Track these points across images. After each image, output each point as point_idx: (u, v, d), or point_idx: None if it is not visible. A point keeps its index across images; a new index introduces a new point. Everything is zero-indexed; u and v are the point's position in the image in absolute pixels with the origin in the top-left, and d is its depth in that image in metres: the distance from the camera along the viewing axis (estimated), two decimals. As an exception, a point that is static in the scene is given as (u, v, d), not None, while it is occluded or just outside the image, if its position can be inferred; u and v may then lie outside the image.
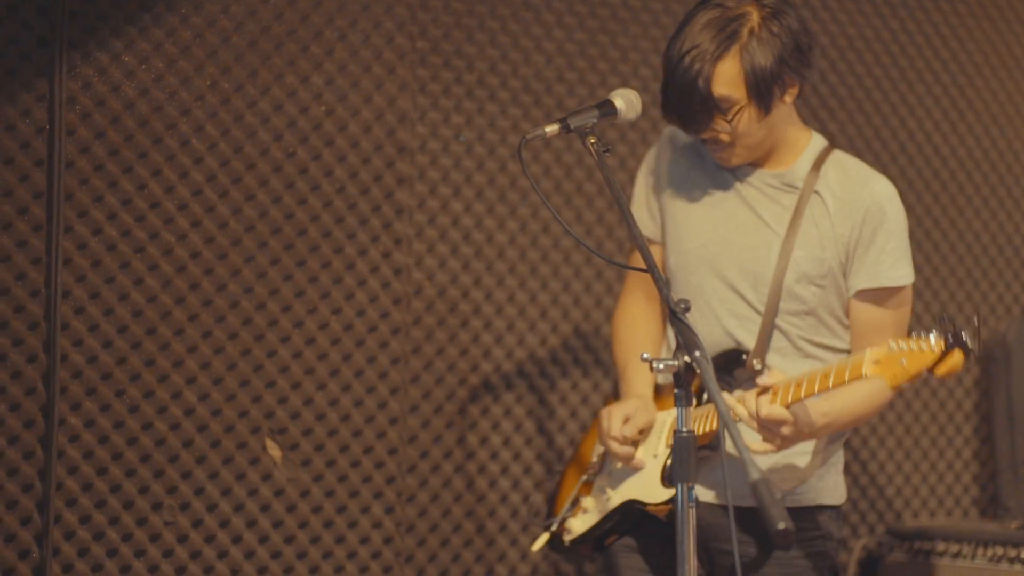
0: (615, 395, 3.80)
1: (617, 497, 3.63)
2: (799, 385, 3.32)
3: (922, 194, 4.96)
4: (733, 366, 3.57)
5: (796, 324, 3.58)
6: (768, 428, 3.35)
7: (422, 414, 4.29)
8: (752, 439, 3.39)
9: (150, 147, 3.95)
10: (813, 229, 3.56)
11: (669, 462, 3.52)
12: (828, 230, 3.55)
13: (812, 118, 4.77)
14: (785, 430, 3.35)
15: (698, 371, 2.97)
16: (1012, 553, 4.33)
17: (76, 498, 3.85)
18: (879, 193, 3.57)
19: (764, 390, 3.35)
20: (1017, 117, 5.13)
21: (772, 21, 3.47)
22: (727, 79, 3.45)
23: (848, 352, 3.60)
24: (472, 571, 4.34)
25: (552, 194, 4.45)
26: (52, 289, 3.82)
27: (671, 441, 3.53)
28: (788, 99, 3.53)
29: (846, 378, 3.25)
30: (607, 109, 3.43)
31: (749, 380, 3.55)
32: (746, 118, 3.48)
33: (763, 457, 3.46)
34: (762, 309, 3.57)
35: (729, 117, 3.47)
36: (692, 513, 3.01)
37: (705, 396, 3.51)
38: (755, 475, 2.77)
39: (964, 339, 3.08)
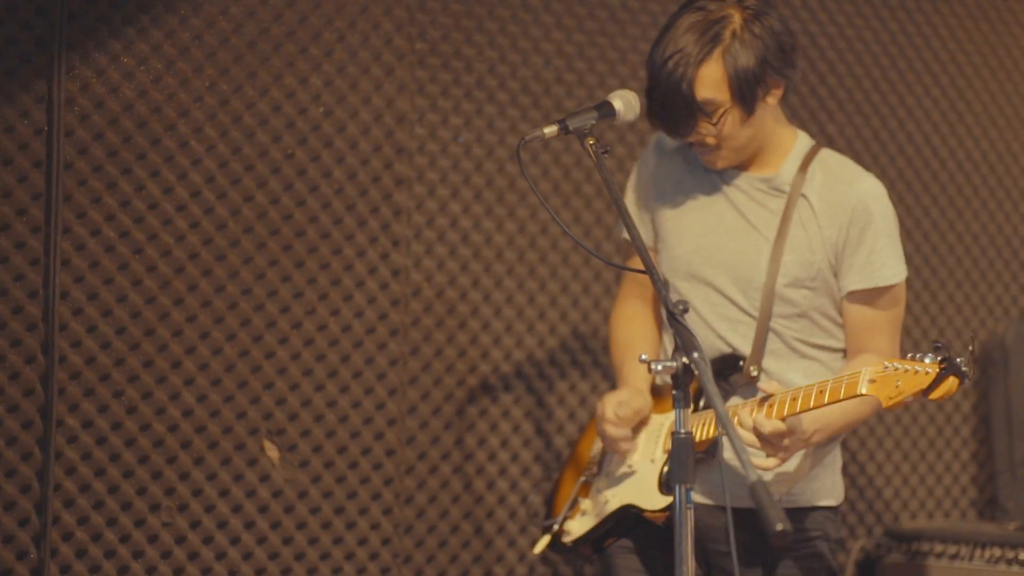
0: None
1: (615, 501, 3.63)
2: (795, 400, 3.33)
3: (921, 195, 4.96)
4: (729, 371, 3.57)
5: (790, 326, 3.58)
6: (771, 443, 3.36)
7: (420, 415, 4.29)
8: (755, 456, 3.40)
9: (149, 148, 3.95)
10: (801, 233, 3.56)
11: (666, 469, 3.53)
12: (816, 233, 3.55)
13: (812, 120, 4.77)
14: (785, 442, 3.37)
15: (696, 372, 2.98)
16: (1010, 554, 4.33)
17: (74, 499, 3.85)
18: (864, 192, 3.56)
19: (764, 398, 3.37)
20: (1016, 118, 5.13)
21: (754, 23, 3.47)
22: (711, 82, 3.45)
23: (844, 351, 3.61)
24: (470, 572, 4.34)
25: (550, 195, 4.45)
26: (50, 290, 3.82)
27: (668, 446, 3.55)
28: (772, 100, 3.54)
29: (841, 396, 3.26)
30: (606, 110, 3.44)
31: (746, 386, 3.55)
32: (731, 120, 3.49)
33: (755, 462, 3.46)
34: (755, 313, 3.57)
35: (714, 120, 3.48)
36: (690, 515, 3.01)
37: (702, 402, 3.51)
38: (753, 476, 2.77)
39: (959, 366, 3.09)
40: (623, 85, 4.32)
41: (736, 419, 3.37)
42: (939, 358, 3.12)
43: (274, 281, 4.09)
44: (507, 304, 4.40)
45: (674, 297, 3.56)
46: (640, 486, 3.59)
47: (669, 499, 3.48)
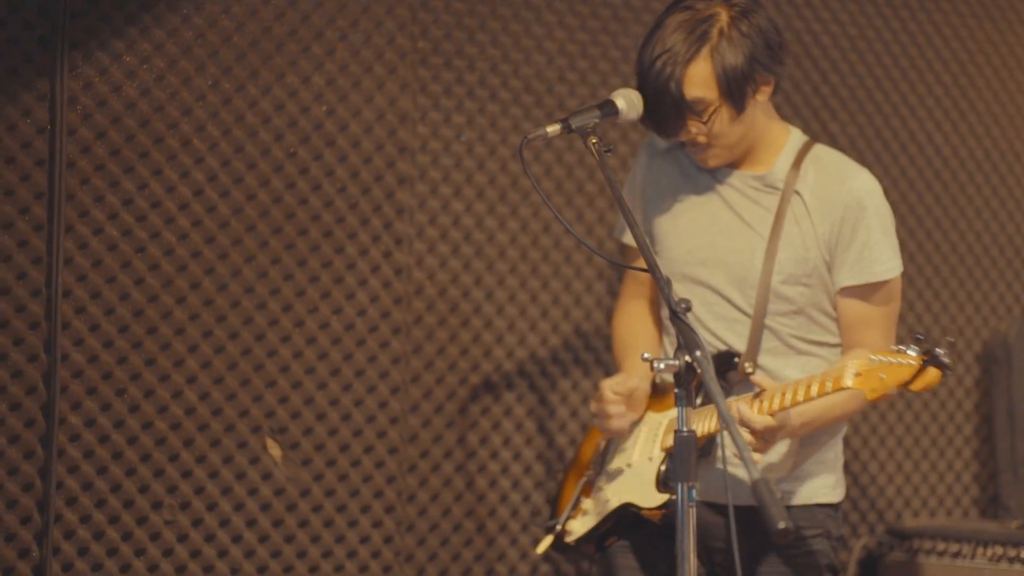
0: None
1: (615, 500, 3.64)
2: (783, 395, 3.34)
3: (923, 195, 4.96)
4: (725, 369, 3.57)
5: (786, 324, 3.59)
6: (762, 438, 3.37)
7: (423, 413, 4.29)
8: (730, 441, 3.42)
9: (151, 147, 3.95)
10: (795, 229, 3.56)
11: (664, 467, 3.54)
12: (809, 229, 3.56)
13: (814, 119, 4.77)
14: (772, 436, 3.39)
15: (699, 370, 2.98)
16: (1012, 553, 4.33)
17: (76, 497, 3.86)
18: (858, 188, 3.57)
19: (757, 393, 3.38)
20: (1018, 118, 5.13)
21: (741, 20, 3.48)
22: (699, 80, 3.46)
23: (841, 347, 3.61)
24: (472, 570, 4.34)
25: (553, 194, 4.45)
26: (53, 289, 3.82)
27: (666, 444, 3.55)
28: (762, 97, 3.54)
29: (828, 389, 3.27)
30: (609, 109, 3.45)
31: (742, 383, 3.55)
32: (721, 119, 3.50)
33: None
34: (750, 312, 3.58)
35: (704, 118, 3.49)
36: (692, 512, 3.02)
37: (698, 400, 3.51)
38: (755, 475, 2.77)
39: (940, 357, 3.09)
40: (626, 84, 4.30)
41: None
42: (921, 351, 3.12)
43: (276, 279, 4.09)
44: (510, 302, 4.40)
45: (689, 298, 3.57)
46: (639, 484, 3.59)
47: (665, 497, 3.50)
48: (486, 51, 4.38)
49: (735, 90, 3.48)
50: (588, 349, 4.49)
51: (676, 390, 3.05)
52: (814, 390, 3.28)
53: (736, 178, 3.63)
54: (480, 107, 4.37)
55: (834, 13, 4.83)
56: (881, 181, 4.77)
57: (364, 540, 4.20)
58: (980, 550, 4.40)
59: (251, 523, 4.06)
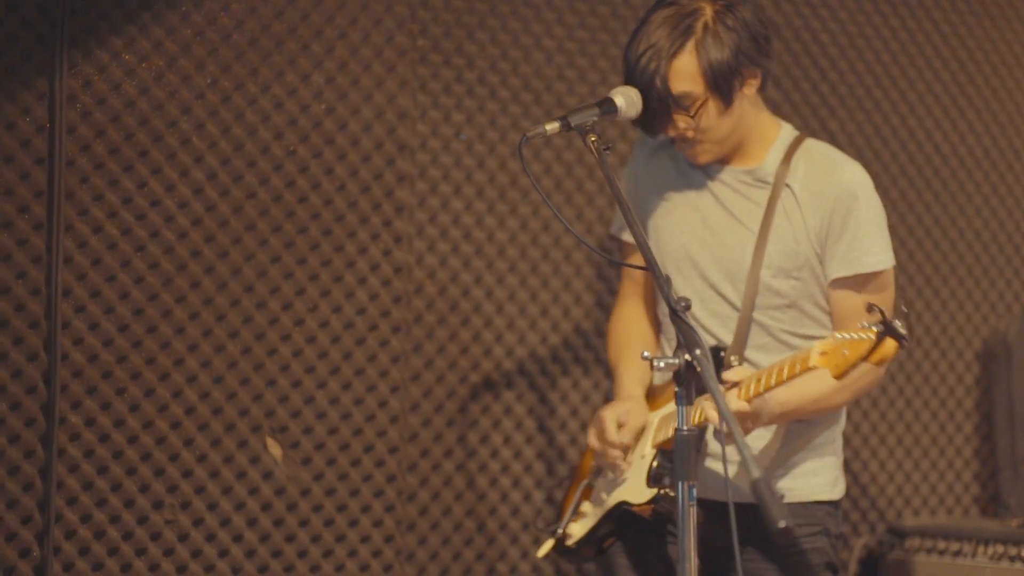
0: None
1: (611, 500, 3.66)
2: (759, 380, 3.34)
3: (922, 192, 4.96)
4: (716, 364, 3.57)
5: (778, 318, 3.59)
6: (741, 423, 3.37)
7: (423, 412, 4.29)
8: (713, 442, 3.43)
9: (150, 145, 3.94)
10: (785, 223, 3.57)
11: (655, 463, 3.54)
12: (800, 222, 3.56)
13: (812, 116, 4.77)
14: (749, 424, 3.39)
15: (699, 369, 2.98)
16: (1013, 551, 4.33)
17: (77, 497, 3.85)
18: (848, 180, 3.57)
19: (732, 386, 3.37)
20: (1017, 115, 5.13)
21: (726, 14, 3.50)
22: (684, 75, 3.48)
23: None
24: (473, 569, 4.34)
25: (553, 192, 4.44)
26: (52, 288, 3.82)
27: (657, 441, 3.56)
28: (749, 91, 3.55)
29: (796, 371, 3.26)
30: (608, 107, 3.45)
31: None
32: (708, 113, 3.51)
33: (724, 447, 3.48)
34: (741, 306, 3.59)
35: (691, 113, 3.50)
36: (693, 512, 3.02)
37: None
38: (756, 473, 2.77)
39: (896, 328, 3.08)
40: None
41: (702, 402, 3.36)
42: (876, 323, 3.11)
43: (276, 278, 4.09)
44: (509, 301, 4.39)
45: (682, 294, 3.57)
46: (632, 482, 3.60)
47: (654, 491, 3.51)
48: (485, 49, 4.38)
49: (722, 83, 3.49)
50: (588, 347, 4.49)
51: (676, 390, 3.05)
52: (785, 372, 3.28)
53: (727, 173, 3.64)
54: (479, 105, 4.37)
55: (832, 11, 4.83)
56: (880, 179, 4.81)
57: (365, 539, 4.19)
58: (981, 549, 4.40)
59: (252, 522, 4.05)
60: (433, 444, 4.31)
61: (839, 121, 4.83)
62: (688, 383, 3.03)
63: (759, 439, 3.58)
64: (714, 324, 3.61)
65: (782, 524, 2.73)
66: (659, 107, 3.49)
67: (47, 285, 3.82)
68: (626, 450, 3.61)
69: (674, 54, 3.48)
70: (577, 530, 3.75)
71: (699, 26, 3.49)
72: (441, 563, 4.30)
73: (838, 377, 3.15)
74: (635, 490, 3.58)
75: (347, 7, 4.19)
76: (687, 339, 3.01)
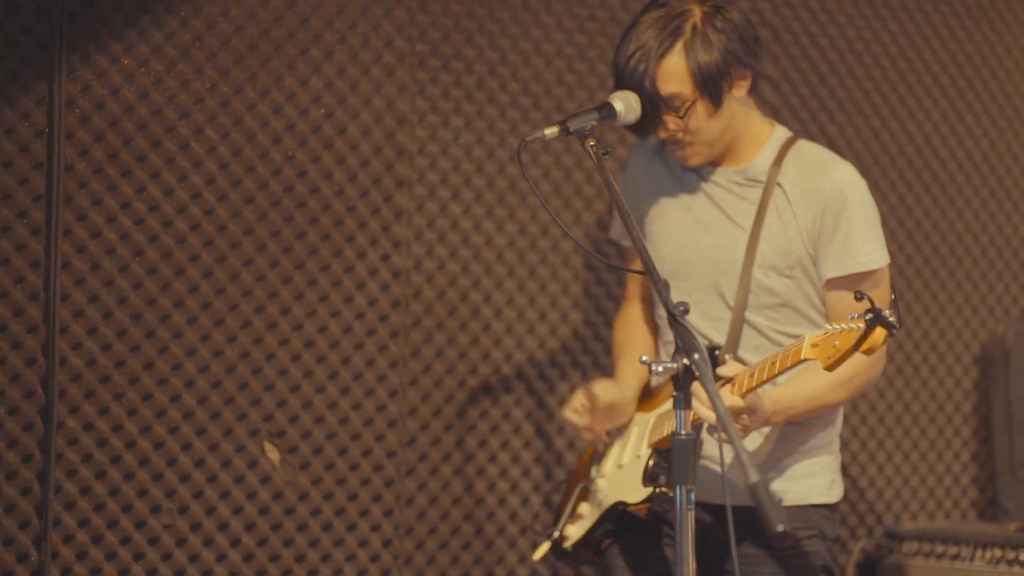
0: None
1: (607, 501, 3.66)
2: (751, 375, 3.34)
3: (922, 196, 4.96)
4: (711, 364, 3.57)
5: (772, 317, 3.59)
6: (735, 419, 3.37)
7: (421, 417, 4.29)
8: (708, 440, 3.43)
9: (149, 150, 3.95)
10: (777, 221, 3.57)
11: (651, 463, 3.55)
12: (791, 221, 3.57)
13: (812, 120, 4.77)
14: (744, 420, 3.37)
15: (697, 374, 2.98)
16: (1011, 555, 4.33)
17: (75, 501, 3.85)
18: (838, 180, 3.57)
19: (725, 382, 3.36)
20: (1016, 118, 5.13)
21: (715, 16, 3.52)
22: (673, 75, 3.49)
23: None
24: (471, 573, 4.34)
25: (551, 197, 4.45)
26: (51, 292, 3.82)
27: (652, 440, 3.57)
28: (739, 92, 3.56)
29: (789, 363, 3.26)
30: (606, 111, 3.46)
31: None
32: (697, 114, 3.52)
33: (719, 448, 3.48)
34: (734, 306, 3.59)
35: (681, 114, 3.50)
36: (691, 515, 3.02)
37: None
38: (754, 477, 2.77)
39: (885, 316, 3.07)
40: (623, 86, 4.32)
41: (696, 397, 3.36)
42: (866, 312, 3.10)
43: (275, 283, 4.09)
44: (508, 305, 4.40)
45: (678, 297, 3.57)
46: (628, 482, 3.61)
47: (649, 491, 3.51)
48: (484, 54, 4.38)
49: (710, 85, 3.50)
50: (586, 352, 4.49)
51: (675, 394, 3.05)
52: (777, 365, 3.27)
53: (719, 174, 3.65)
54: (478, 109, 4.37)
55: (831, 15, 4.83)
56: (878, 183, 4.82)
57: (363, 543, 4.19)
58: (979, 552, 4.40)
59: (250, 527, 4.05)
60: (431, 448, 4.31)
61: (838, 125, 4.83)
62: (686, 387, 3.03)
63: (751, 441, 3.58)
64: (707, 326, 3.61)
65: (780, 528, 2.73)
66: (649, 108, 3.50)
67: (45, 290, 3.82)
68: (584, 414, 3.62)
69: (662, 55, 3.49)
70: (574, 532, 3.75)
71: (688, 27, 3.50)
72: (439, 567, 4.30)
73: (829, 368, 3.15)
74: (631, 490, 3.59)
75: (346, 12, 4.19)
76: (685, 343, 3.01)
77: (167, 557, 3.96)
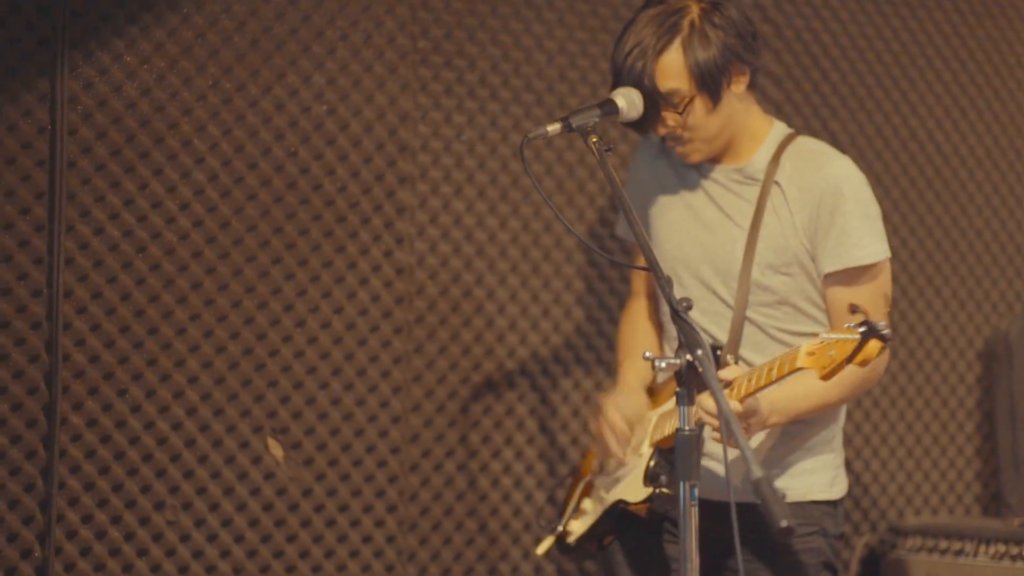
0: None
1: (609, 498, 3.66)
2: (750, 380, 3.34)
3: (923, 192, 4.96)
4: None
5: (772, 315, 3.59)
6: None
7: (424, 413, 4.29)
8: (708, 441, 3.43)
9: (152, 147, 3.95)
10: (774, 219, 3.57)
11: (652, 462, 3.55)
12: (788, 219, 3.57)
13: (814, 117, 4.77)
14: (743, 422, 3.38)
15: (700, 369, 2.98)
16: (1015, 550, 4.33)
17: (78, 497, 3.86)
18: (833, 175, 3.56)
19: (725, 385, 3.37)
20: (1018, 115, 5.13)
21: (713, 12, 3.53)
22: (671, 72, 3.49)
23: None
24: (475, 569, 4.34)
25: (554, 193, 4.45)
26: (54, 289, 3.82)
27: (654, 440, 3.57)
28: (737, 89, 3.56)
29: (785, 371, 3.26)
30: (609, 108, 3.46)
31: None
32: (696, 110, 3.52)
33: (716, 448, 3.48)
34: (734, 304, 3.59)
35: (679, 110, 3.50)
36: (694, 512, 3.02)
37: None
38: (758, 473, 2.77)
39: (879, 329, 3.07)
40: (626, 82, 4.32)
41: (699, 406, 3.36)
42: (860, 324, 3.10)
43: (278, 279, 4.09)
44: (511, 302, 4.40)
45: (679, 294, 3.57)
46: (630, 480, 3.61)
47: (649, 490, 3.51)
48: (487, 50, 4.38)
49: (709, 81, 3.50)
50: (590, 348, 4.49)
51: (678, 390, 3.05)
52: (775, 372, 3.27)
53: (718, 172, 3.65)
54: (481, 106, 4.37)
55: (833, 11, 4.83)
56: (881, 180, 4.81)
57: (366, 540, 4.20)
58: (982, 548, 4.40)
59: (253, 523, 4.06)
60: (435, 445, 4.31)
61: (840, 122, 4.83)
62: (689, 383, 3.04)
63: (753, 438, 3.58)
64: (708, 323, 3.61)
65: (784, 524, 2.73)
66: (648, 105, 3.50)
67: (49, 286, 3.82)
68: (627, 441, 3.62)
69: (660, 51, 3.49)
70: (577, 527, 3.75)
71: (685, 24, 3.50)
72: (443, 563, 4.30)
73: (824, 378, 3.15)
74: (632, 489, 3.59)
75: (348, 9, 4.19)
76: (688, 339, 3.01)
77: (171, 553, 3.96)
